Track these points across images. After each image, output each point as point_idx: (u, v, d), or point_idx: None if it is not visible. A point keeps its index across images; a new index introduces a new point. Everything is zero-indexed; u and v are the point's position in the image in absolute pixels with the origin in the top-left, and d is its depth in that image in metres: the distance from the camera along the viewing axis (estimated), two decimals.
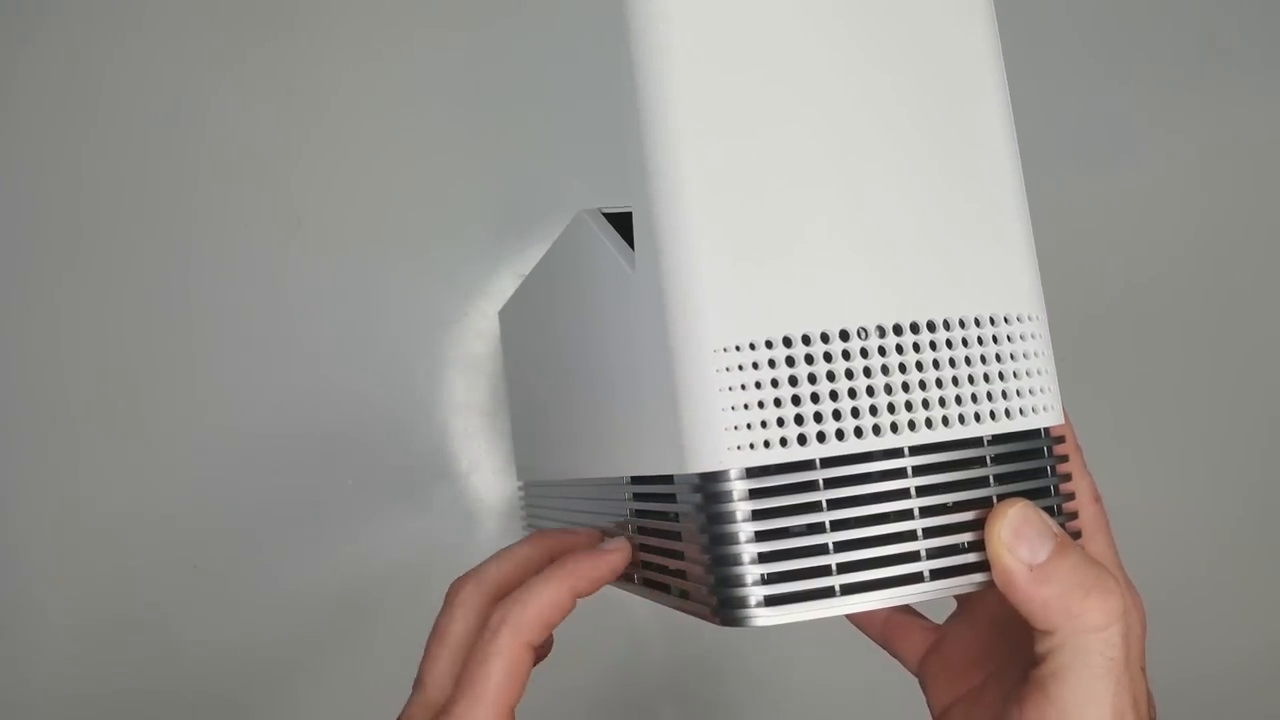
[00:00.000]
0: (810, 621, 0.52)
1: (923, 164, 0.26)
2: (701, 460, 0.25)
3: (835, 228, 0.25)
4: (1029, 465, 0.27)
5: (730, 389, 0.25)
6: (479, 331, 0.61)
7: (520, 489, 0.55)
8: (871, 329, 0.25)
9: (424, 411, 0.60)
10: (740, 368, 0.25)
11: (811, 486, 0.25)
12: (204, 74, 0.60)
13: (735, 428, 0.25)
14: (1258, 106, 0.55)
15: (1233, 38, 0.55)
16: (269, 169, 0.60)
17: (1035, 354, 0.27)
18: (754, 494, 0.25)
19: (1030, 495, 0.26)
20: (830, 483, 0.25)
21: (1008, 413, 0.26)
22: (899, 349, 0.25)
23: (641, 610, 0.60)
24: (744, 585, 0.25)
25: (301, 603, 0.56)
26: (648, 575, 0.32)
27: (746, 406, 0.25)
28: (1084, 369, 0.50)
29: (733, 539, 0.25)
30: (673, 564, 0.29)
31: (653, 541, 0.31)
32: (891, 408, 0.25)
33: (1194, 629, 0.57)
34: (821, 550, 0.25)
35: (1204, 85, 0.57)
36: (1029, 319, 0.27)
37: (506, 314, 0.55)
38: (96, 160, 0.58)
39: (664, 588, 0.31)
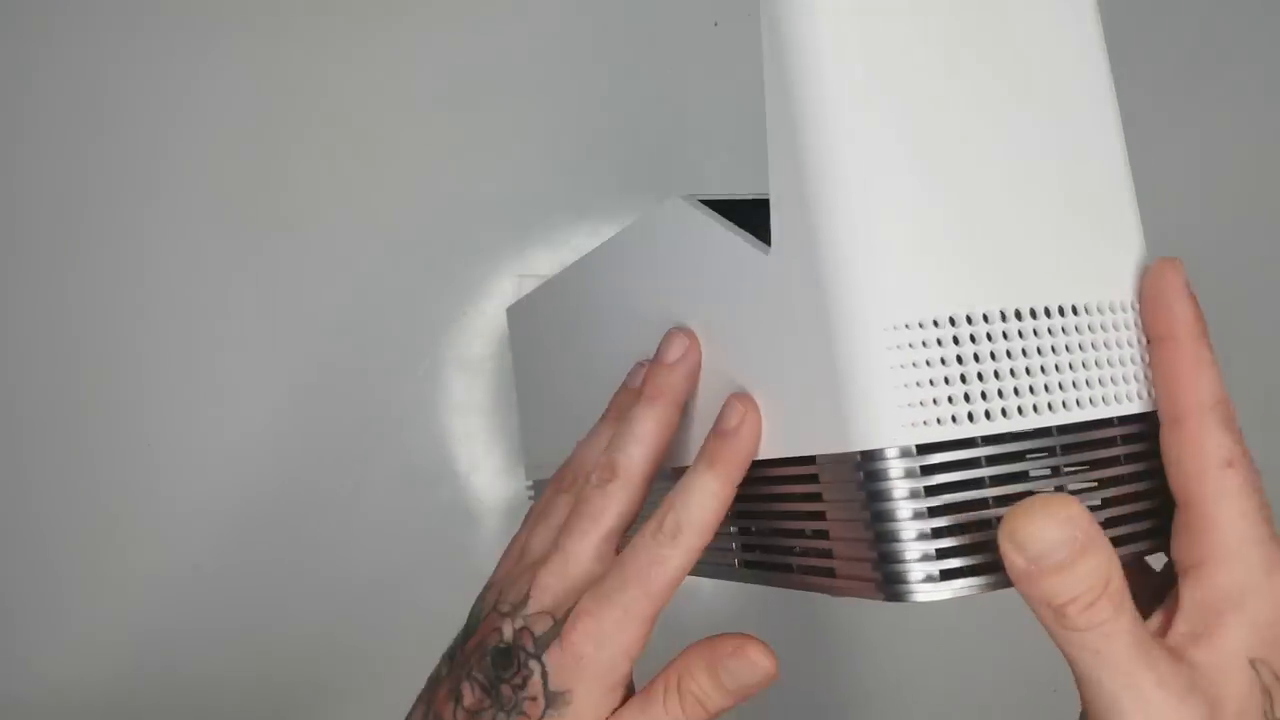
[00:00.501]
0: (810, 621, 0.54)
1: (1063, 155, 0.28)
2: (867, 438, 0.26)
3: (999, 210, 0.26)
4: (1126, 450, 0.28)
5: (900, 367, 0.25)
6: (478, 331, 0.60)
7: (530, 488, 0.54)
8: (1026, 311, 0.26)
9: (423, 411, 0.58)
10: (910, 346, 0.25)
11: (974, 464, 0.26)
12: (203, 73, 0.59)
13: (905, 405, 0.25)
14: (1258, 107, 0.56)
15: (1233, 38, 0.57)
16: (268, 168, 0.59)
17: (1137, 342, 0.29)
18: (924, 470, 0.25)
19: (1121, 480, 0.27)
20: (991, 460, 0.26)
21: (1129, 396, 0.28)
22: (1049, 331, 0.26)
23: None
24: (910, 560, 0.25)
25: (302, 601, 0.55)
26: (751, 558, 0.33)
27: (919, 384, 0.25)
28: None
29: (898, 515, 0.25)
30: (805, 544, 0.30)
31: (769, 524, 0.31)
32: (1047, 387, 0.26)
33: None
34: (986, 525, 0.26)
35: (1203, 86, 0.58)
36: (1133, 307, 0.29)
37: (519, 311, 0.54)
38: (96, 160, 0.58)
39: (782, 568, 0.31)
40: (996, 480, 0.26)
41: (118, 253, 0.57)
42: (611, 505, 0.32)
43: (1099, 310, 0.27)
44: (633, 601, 0.29)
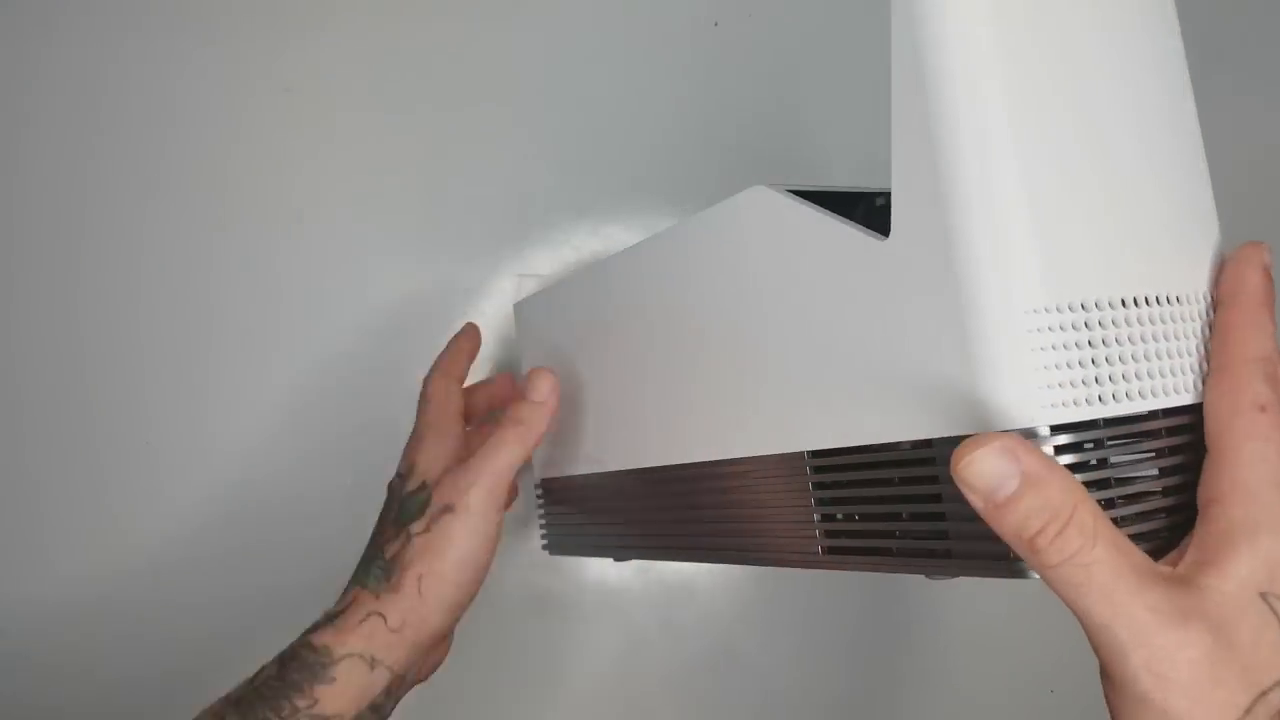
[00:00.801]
0: (810, 621, 0.54)
1: (1164, 147, 0.30)
2: (1006, 419, 0.27)
3: (1121, 200, 0.28)
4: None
5: (1040, 349, 0.26)
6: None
7: (539, 487, 0.53)
8: (1144, 299, 0.28)
9: None
10: (1049, 329, 0.26)
11: (1098, 444, 0.27)
12: (202, 72, 0.58)
13: (1045, 387, 0.26)
14: (1258, 108, 0.57)
15: (1233, 38, 0.57)
16: (267, 169, 0.58)
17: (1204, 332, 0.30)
18: (1057, 450, 0.26)
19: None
20: (1111, 440, 0.27)
21: (1196, 385, 0.29)
22: (1162, 319, 0.28)
23: (641, 610, 0.60)
24: None
25: (300, 600, 0.52)
26: (838, 544, 0.33)
27: (1056, 367, 0.26)
28: None
29: None
30: (910, 527, 0.30)
31: (858, 509, 0.32)
32: (1160, 372, 0.28)
33: None
34: (1110, 505, 0.27)
35: (1203, 86, 0.57)
36: (1207, 298, 0.31)
37: (532, 307, 0.53)
38: (95, 158, 0.57)
39: (879, 551, 0.31)
40: (1116, 463, 0.27)
41: (113, 252, 0.56)
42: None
43: (1196, 300, 0.29)
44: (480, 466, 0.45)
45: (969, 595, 0.55)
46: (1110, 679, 0.26)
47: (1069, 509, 0.24)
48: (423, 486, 0.45)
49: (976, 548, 0.28)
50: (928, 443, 0.29)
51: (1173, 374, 0.28)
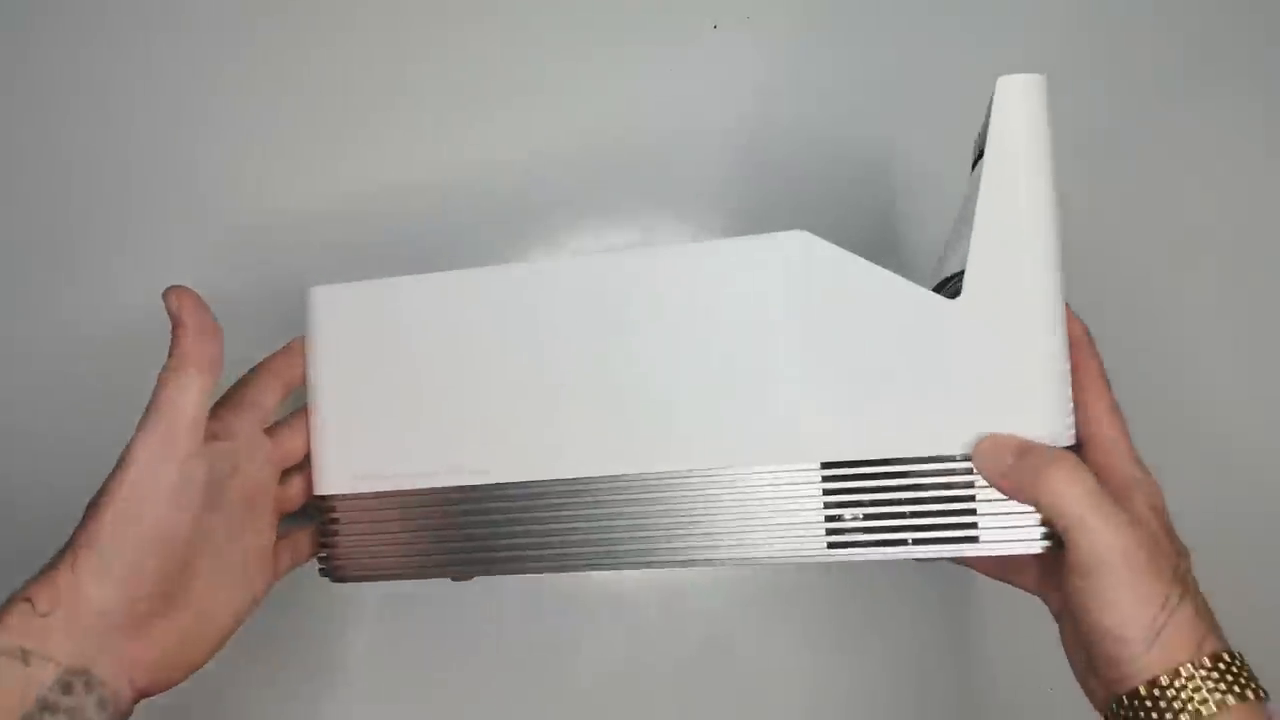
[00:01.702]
0: (809, 622, 0.61)
1: None
2: (1042, 439, 0.38)
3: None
4: None
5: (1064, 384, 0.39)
6: None
7: (328, 504, 0.46)
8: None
9: None
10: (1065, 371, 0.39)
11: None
12: (203, 72, 0.60)
13: (1067, 415, 0.38)
14: (1258, 109, 0.58)
15: (1232, 39, 0.59)
16: (267, 167, 0.59)
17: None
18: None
19: None
20: None
21: None
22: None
23: (641, 610, 0.57)
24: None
25: (302, 599, 0.55)
26: (847, 540, 0.40)
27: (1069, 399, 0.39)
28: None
29: None
30: (940, 520, 0.39)
31: (883, 509, 0.40)
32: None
33: None
34: None
35: (1203, 86, 0.58)
36: None
37: (353, 296, 0.46)
38: (95, 158, 0.59)
39: (893, 543, 0.39)
40: None
41: (113, 251, 0.58)
42: None
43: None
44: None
45: (969, 594, 0.57)
46: (1077, 567, 0.36)
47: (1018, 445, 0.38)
48: None
49: (1008, 534, 0.38)
50: (967, 456, 0.39)
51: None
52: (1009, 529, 0.38)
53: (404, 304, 0.45)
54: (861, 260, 0.40)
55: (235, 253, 0.59)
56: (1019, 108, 0.38)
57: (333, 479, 0.46)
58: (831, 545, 0.40)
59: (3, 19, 0.59)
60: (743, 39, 0.59)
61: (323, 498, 0.46)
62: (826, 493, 0.40)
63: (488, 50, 0.60)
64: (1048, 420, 0.38)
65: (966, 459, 0.39)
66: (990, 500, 0.38)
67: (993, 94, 0.39)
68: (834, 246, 0.40)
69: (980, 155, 0.40)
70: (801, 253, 0.40)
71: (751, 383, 0.41)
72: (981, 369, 0.39)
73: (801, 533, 0.40)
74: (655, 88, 0.59)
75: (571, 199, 0.58)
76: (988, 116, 0.39)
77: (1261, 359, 0.57)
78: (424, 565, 0.45)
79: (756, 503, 0.41)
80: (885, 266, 0.40)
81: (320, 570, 0.47)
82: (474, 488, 0.44)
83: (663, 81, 0.59)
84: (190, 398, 0.39)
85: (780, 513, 0.41)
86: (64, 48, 0.60)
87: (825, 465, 0.40)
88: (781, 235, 0.41)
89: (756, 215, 0.57)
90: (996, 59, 0.56)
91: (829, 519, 0.40)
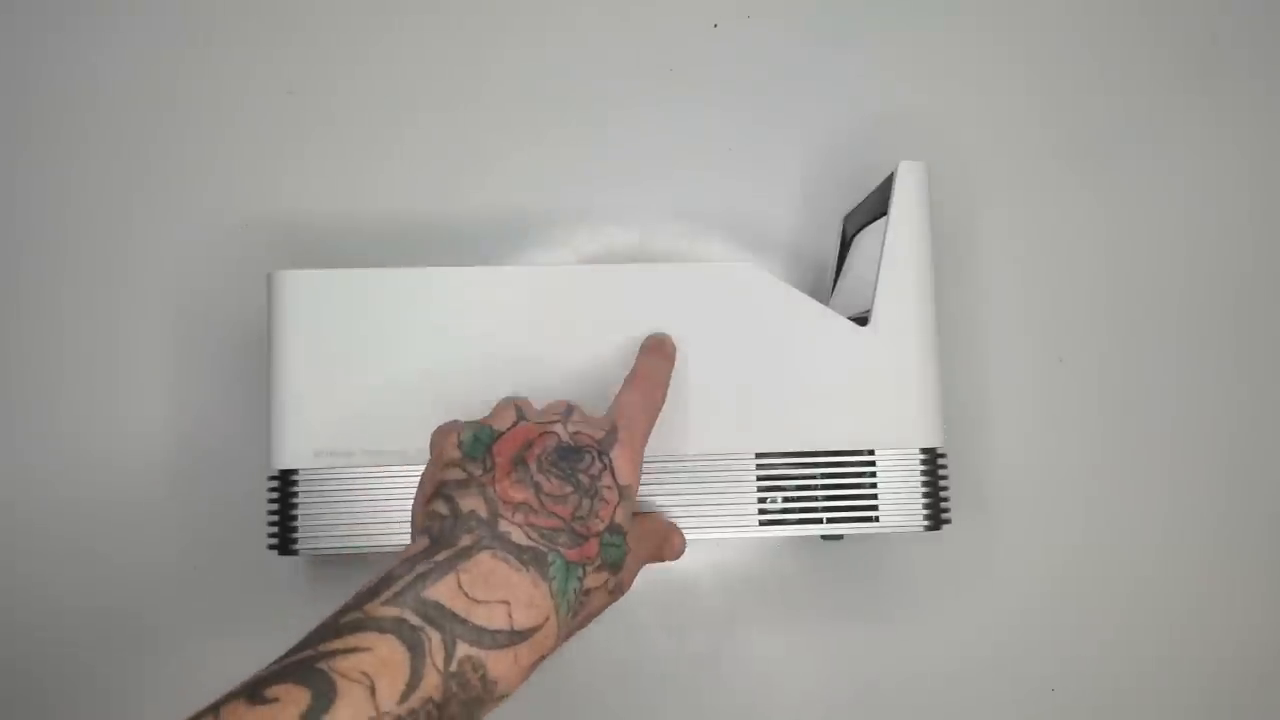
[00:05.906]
0: (809, 622, 0.64)
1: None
2: (929, 440, 0.48)
3: None
4: None
5: (934, 399, 0.49)
6: None
7: (285, 477, 0.47)
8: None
9: None
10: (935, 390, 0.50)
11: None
12: (203, 73, 0.61)
13: (936, 422, 0.49)
14: (1258, 109, 0.60)
15: (1232, 39, 0.60)
16: (266, 168, 0.61)
17: None
18: (938, 458, 0.49)
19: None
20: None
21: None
22: None
23: (642, 610, 0.58)
24: (939, 508, 0.48)
25: (303, 596, 0.56)
26: (776, 518, 0.48)
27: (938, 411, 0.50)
28: (1077, 375, 0.59)
29: (939, 483, 0.48)
30: (849, 502, 0.48)
31: (805, 492, 0.48)
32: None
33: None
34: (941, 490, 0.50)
35: (1202, 87, 0.59)
36: None
37: (320, 282, 0.48)
38: (94, 158, 0.60)
39: (810, 521, 0.47)
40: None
41: (111, 251, 0.59)
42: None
43: None
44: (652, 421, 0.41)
45: (969, 594, 0.57)
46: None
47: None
48: (610, 432, 0.39)
49: (904, 518, 0.48)
50: (871, 450, 0.48)
51: None
52: (903, 512, 0.48)
53: (370, 294, 0.48)
54: (795, 291, 0.49)
55: (232, 252, 0.59)
56: (916, 186, 0.50)
57: (293, 454, 0.47)
58: (762, 523, 0.48)
59: (3, 19, 0.61)
60: (743, 38, 0.62)
61: (284, 471, 0.47)
62: (760, 479, 0.48)
63: (488, 50, 0.63)
64: (924, 417, 0.49)
65: (870, 453, 0.48)
66: (890, 487, 0.48)
67: (893, 174, 0.50)
68: (775, 279, 0.49)
69: (863, 224, 0.51)
70: (748, 282, 0.49)
71: (702, 384, 0.48)
72: (883, 381, 0.49)
73: (739, 511, 0.48)
74: (655, 87, 0.62)
75: (572, 200, 0.61)
76: (888, 192, 0.51)
77: (1268, 358, 0.60)
78: (380, 542, 0.47)
79: (703, 485, 0.48)
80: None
81: (271, 545, 0.47)
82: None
83: (663, 80, 0.62)
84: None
85: (723, 495, 0.48)
86: (65, 48, 0.61)
87: (759, 455, 0.48)
88: (733, 264, 0.50)
89: (755, 218, 0.61)
90: (997, 59, 0.63)
91: (761, 500, 0.48)
